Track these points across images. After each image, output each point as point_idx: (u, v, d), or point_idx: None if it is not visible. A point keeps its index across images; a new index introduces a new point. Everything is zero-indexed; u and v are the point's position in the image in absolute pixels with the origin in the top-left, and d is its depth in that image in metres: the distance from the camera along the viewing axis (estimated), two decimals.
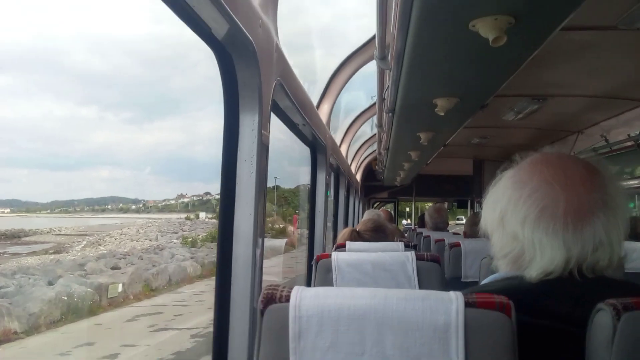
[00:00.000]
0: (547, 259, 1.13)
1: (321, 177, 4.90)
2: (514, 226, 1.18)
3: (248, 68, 2.00)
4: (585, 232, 1.13)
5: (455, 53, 2.29)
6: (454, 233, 5.66)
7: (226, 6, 1.61)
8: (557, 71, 3.99)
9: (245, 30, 1.83)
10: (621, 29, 2.92)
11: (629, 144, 5.42)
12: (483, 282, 1.34)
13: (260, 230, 2.12)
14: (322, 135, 4.43)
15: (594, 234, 1.13)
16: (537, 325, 1.08)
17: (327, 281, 2.12)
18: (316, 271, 2.16)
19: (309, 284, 4.41)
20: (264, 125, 2.09)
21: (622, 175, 6.71)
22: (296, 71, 2.90)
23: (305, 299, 1.01)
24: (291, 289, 1.03)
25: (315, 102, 4.63)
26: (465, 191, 11.99)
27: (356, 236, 3.23)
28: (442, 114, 3.26)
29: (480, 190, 9.43)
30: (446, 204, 13.01)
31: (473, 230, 4.50)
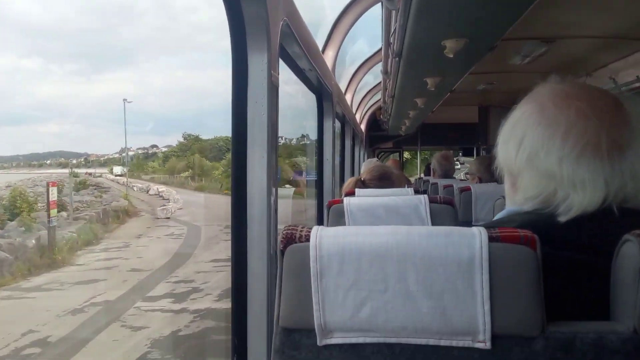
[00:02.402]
0: (589, 197, 1.11)
1: (328, 125, 4.88)
2: (550, 165, 1.13)
3: (255, 5, 1.93)
4: (623, 166, 1.11)
5: None
6: (461, 180, 5.66)
7: None
8: (566, 11, 3.90)
9: None
10: None
11: (637, 85, 5.35)
12: (497, 217, 1.32)
13: (274, 172, 2.10)
14: (328, 81, 4.38)
15: (630, 167, 1.11)
16: (561, 257, 1.07)
17: (339, 226, 2.11)
18: (329, 217, 2.16)
19: None
20: (272, 66, 2.05)
21: None
22: (302, 13, 2.84)
23: (325, 238, 1.00)
24: (310, 228, 1.02)
25: (320, 47, 4.57)
26: (470, 139, 11.93)
27: (361, 185, 3.24)
28: (451, 56, 3.21)
29: (486, 137, 9.40)
30: (452, 152, 12.99)
31: (487, 173, 4.34)
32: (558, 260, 1.06)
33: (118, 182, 69.80)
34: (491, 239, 0.95)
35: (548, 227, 1.07)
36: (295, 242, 1.01)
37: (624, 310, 0.97)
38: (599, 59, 5.48)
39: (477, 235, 0.96)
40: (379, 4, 3.03)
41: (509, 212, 1.27)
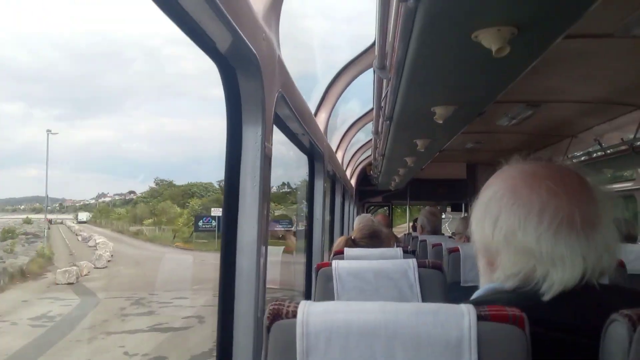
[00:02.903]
0: (569, 272, 1.12)
1: (319, 185, 4.90)
2: (528, 243, 1.15)
3: (251, 81, 1.99)
4: (597, 241, 1.13)
5: (457, 63, 2.29)
6: (450, 237, 5.66)
7: (231, 20, 1.60)
8: (552, 78, 4.02)
9: (249, 44, 1.82)
10: (617, 37, 2.95)
11: (623, 147, 5.45)
12: (476, 294, 1.31)
13: (264, 242, 2.11)
14: (320, 143, 4.42)
15: (603, 241, 1.14)
16: (550, 338, 1.07)
17: (327, 290, 2.10)
18: (317, 280, 2.15)
19: (308, 293, 4.38)
20: (267, 137, 2.08)
21: (616, 179, 6.75)
22: (296, 81, 2.90)
23: (312, 315, 0.98)
24: (297, 303, 1.01)
25: (312, 110, 4.63)
26: (459, 194, 12.04)
27: (352, 244, 3.24)
28: (441, 121, 3.26)
29: (474, 193, 9.39)
30: (439, 207, 13.03)
31: None
32: (546, 340, 1.06)
33: (71, 230, 66.08)
34: (480, 318, 0.95)
35: (533, 307, 1.06)
36: (282, 318, 1.00)
37: None
38: (584, 122, 5.59)
39: (466, 314, 0.96)
40: (371, 69, 3.09)
41: (488, 290, 1.27)
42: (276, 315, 1.00)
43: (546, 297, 1.12)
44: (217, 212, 45.16)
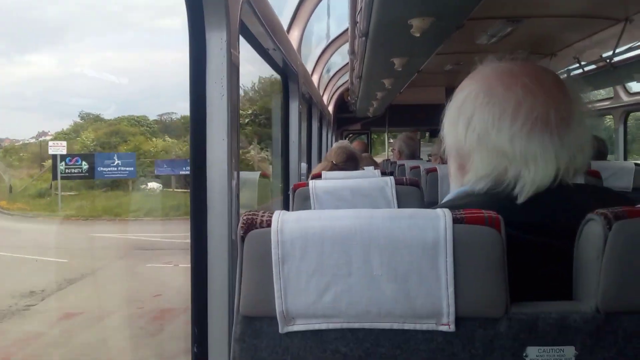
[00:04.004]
0: (541, 172, 1.11)
1: (294, 106, 4.81)
2: (501, 143, 1.12)
3: None
4: (570, 140, 1.12)
5: None
6: (428, 160, 5.70)
7: None
8: None
9: None
10: None
11: (601, 64, 5.43)
12: (446, 198, 1.30)
13: (235, 156, 2.05)
14: (294, 61, 4.32)
15: (576, 140, 1.13)
16: (523, 240, 1.07)
17: (304, 209, 2.08)
18: (294, 200, 2.13)
19: None
20: (232, 44, 1.98)
21: (596, 97, 6.78)
22: None
23: (287, 223, 0.97)
24: (272, 213, 0.99)
25: (285, 27, 4.50)
26: (438, 120, 12.02)
27: (329, 168, 3.27)
28: (418, 35, 3.19)
29: None
30: (419, 134, 13.05)
31: None
32: (520, 242, 1.05)
33: None
34: (455, 221, 0.94)
35: (506, 209, 1.04)
36: (257, 228, 0.98)
37: (587, 289, 0.97)
38: (564, 39, 5.55)
39: (442, 217, 0.95)
40: None
41: (459, 193, 1.25)
42: (250, 225, 0.98)
43: (520, 199, 1.11)
44: (59, 149, 30.17)
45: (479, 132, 1.16)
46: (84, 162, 29.91)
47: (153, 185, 32.05)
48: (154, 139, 36.48)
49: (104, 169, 30.43)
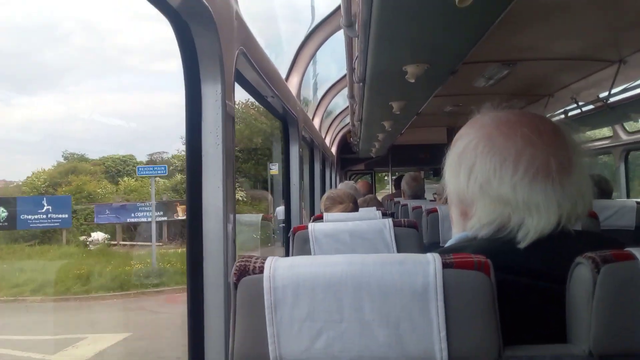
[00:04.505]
0: (544, 220, 1.12)
1: (294, 150, 4.86)
2: (504, 191, 1.14)
3: (207, 36, 1.94)
4: (572, 187, 1.13)
5: (422, 17, 2.26)
6: (432, 200, 5.69)
7: None
8: (526, 35, 3.99)
9: None
10: None
11: (599, 104, 5.47)
12: (449, 243, 1.31)
13: (231, 203, 2.08)
14: (293, 107, 4.38)
15: (577, 187, 1.14)
16: (516, 283, 1.08)
17: (304, 252, 2.10)
18: (293, 243, 2.14)
19: (287, 256, 4.42)
20: (227, 96, 2.04)
21: (593, 136, 6.80)
22: (262, 42, 2.84)
23: (279, 269, 0.99)
24: (264, 259, 1.01)
25: (284, 74, 4.58)
26: (440, 159, 12.00)
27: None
28: (413, 80, 3.24)
29: None
30: (422, 173, 13.07)
31: None
32: (517, 286, 1.06)
33: None
34: (445, 265, 0.95)
35: (504, 254, 1.08)
36: (249, 274, 1.00)
37: (579, 332, 0.97)
38: (560, 80, 5.60)
39: (431, 262, 0.96)
40: (342, 31, 3.06)
41: (461, 238, 1.27)
42: (243, 271, 1.00)
43: (522, 245, 1.12)
44: None
45: (481, 181, 1.18)
46: (1, 209, 23.31)
47: (97, 236, 27.34)
48: (125, 178, 33.00)
49: (30, 216, 23.54)
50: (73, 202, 27.52)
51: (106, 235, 27.81)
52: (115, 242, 28.15)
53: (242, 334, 1.00)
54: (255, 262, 1.00)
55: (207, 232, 1.99)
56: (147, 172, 26.02)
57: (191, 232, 1.99)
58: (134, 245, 27.43)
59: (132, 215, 27.07)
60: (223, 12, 2.08)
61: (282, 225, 17.80)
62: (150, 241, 25.25)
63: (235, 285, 1.00)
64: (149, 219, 26.30)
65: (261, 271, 0.99)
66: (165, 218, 28.19)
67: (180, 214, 28.02)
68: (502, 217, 1.15)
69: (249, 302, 0.99)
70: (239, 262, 1.02)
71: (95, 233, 27.35)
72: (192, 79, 1.99)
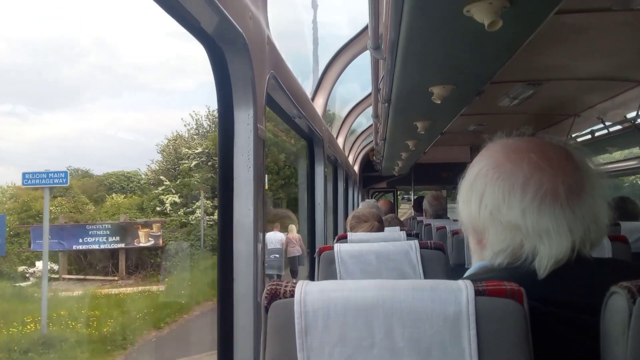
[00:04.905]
0: (556, 245, 1.11)
1: (319, 170, 4.91)
2: (513, 217, 1.14)
3: (240, 62, 1.98)
4: (583, 212, 1.13)
5: (450, 40, 2.26)
6: (455, 220, 5.65)
7: None
8: (552, 55, 3.98)
9: (235, 23, 1.81)
10: (615, 10, 2.91)
11: (626, 125, 5.41)
12: (468, 273, 1.30)
13: (261, 225, 2.10)
14: (318, 127, 4.42)
15: (589, 211, 1.14)
16: (548, 313, 1.06)
17: (330, 273, 2.10)
18: (319, 264, 2.15)
19: (312, 277, 4.42)
20: (259, 119, 2.07)
21: (619, 157, 6.72)
22: (289, 64, 2.88)
23: (310, 294, 0.99)
24: (295, 283, 1.01)
25: (309, 94, 4.62)
26: None
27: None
28: (439, 102, 3.24)
29: None
30: (444, 192, 13.01)
31: None
32: (544, 315, 1.05)
33: None
34: (477, 293, 0.95)
35: (527, 285, 1.06)
36: (280, 298, 1.00)
37: None
38: (586, 100, 5.55)
39: (464, 289, 0.96)
40: (368, 51, 3.08)
41: (480, 268, 1.26)
42: (274, 295, 1.00)
43: (540, 274, 1.12)
44: None
45: (491, 208, 1.18)
46: None
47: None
48: (114, 195, 29.09)
49: None
50: (16, 222, 23.59)
51: (54, 266, 21.99)
52: (57, 276, 22.16)
53: (273, 358, 1.00)
54: (285, 287, 1.01)
55: (237, 252, 2.02)
56: (35, 182, 17.13)
57: (222, 253, 2.02)
58: (83, 280, 22.21)
59: (80, 240, 22.19)
60: (255, 37, 2.13)
61: (273, 256, 16.70)
62: (107, 274, 22.03)
63: (267, 309, 1.00)
64: (103, 246, 22.31)
65: (292, 295, 0.99)
66: (123, 245, 22.79)
67: (143, 240, 23.05)
68: (514, 244, 1.16)
69: (279, 326, 0.99)
70: (270, 285, 1.02)
71: (40, 262, 19.45)
72: (225, 103, 2.03)
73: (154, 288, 19.99)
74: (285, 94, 2.79)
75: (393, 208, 9.43)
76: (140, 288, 20.01)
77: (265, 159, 2.18)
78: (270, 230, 18.06)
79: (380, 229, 3.42)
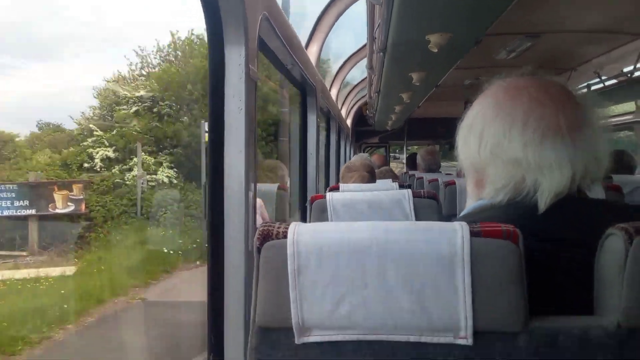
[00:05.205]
0: (557, 178, 1.11)
1: (312, 119, 4.87)
2: (515, 152, 1.14)
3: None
4: (584, 145, 1.13)
5: None
6: (447, 174, 5.67)
7: None
8: (550, 6, 3.92)
9: None
10: None
11: (622, 79, 5.39)
12: (463, 213, 1.31)
13: (252, 168, 2.08)
14: (312, 76, 4.37)
15: (590, 146, 1.14)
16: (544, 250, 1.07)
17: (322, 221, 2.09)
18: (311, 212, 2.14)
19: None
20: (251, 60, 2.03)
21: (615, 112, 6.72)
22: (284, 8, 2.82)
23: (303, 234, 0.98)
24: (287, 225, 1.00)
25: (303, 42, 4.55)
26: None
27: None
28: (436, 50, 3.20)
29: None
30: (438, 147, 13.02)
31: None
32: (539, 252, 1.05)
33: None
34: (473, 234, 0.94)
35: (524, 220, 1.05)
36: (273, 239, 0.99)
37: (608, 304, 0.96)
38: (584, 54, 5.51)
39: (459, 230, 0.95)
40: None
41: (476, 207, 1.26)
42: (266, 236, 0.99)
43: (541, 208, 1.12)
44: None
45: (492, 145, 1.18)
46: None
47: None
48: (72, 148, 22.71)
49: None
50: None
51: None
52: None
53: (265, 298, 1.00)
54: (278, 228, 1.00)
55: (228, 196, 2.00)
56: None
57: (212, 196, 2.01)
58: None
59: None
60: None
61: None
62: (16, 249, 16.70)
63: (259, 250, 0.99)
64: (8, 212, 17.46)
65: (285, 236, 0.98)
66: (34, 211, 17.78)
67: (60, 205, 18.30)
68: (516, 179, 1.15)
69: (272, 267, 0.98)
70: (262, 227, 1.01)
71: None
72: (216, 43, 1.98)
73: (68, 270, 14.70)
74: (278, 38, 2.73)
75: (386, 162, 9.45)
76: (57, 269, 14.93)
77: (256, 101, 2.15)
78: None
79: (371, 179, 3.42)
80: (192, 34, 24.40)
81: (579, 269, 1.04)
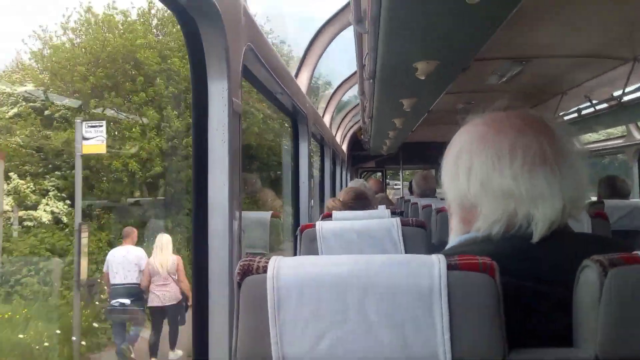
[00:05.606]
0: (549, 208, 1.11)
1: (303, 147, 4.88)
2: (506, 184, 1.13)
3: (213, 32, 1.94)
4: (571, 174, 1.13)
5: (432, 13, 2.24)
6: (442, 199, 5.67)
7: None
8: (538, 31, 3.96)
9: None
10: None
11: (612, 103, 5.43)
12: (449, 246, 1.29)
13: (236, 201, 2.08)
14: (302, 104, 4.39)
15: (576, 175, 1.14)
16: (521, 287, 1.06)
17: (312, 251, 2.10)
18: (301, 241, 2.14)
19: (295, 255, 4.44)
20: (234, 93, 2.04)
21: (607, 135, 6.76)
22: (271, 40, 2.84)
23: (283, 269, 0.98)
24: (268, 259, 1.00)
25: (293, 71, 4.58)
26: None
27: (340, 206, 3.30)
28: (423, 77, 3.22)
29: None
30: (434, 171, 13.06)
31: None
32: (519, 290, 1.04)
33: None
34: (450, 267, 0.94)
35: (505, 256, 1.04)
36: (253, 274, 0.99)
37: (586, 336, 0.96)
38: (573, 78, 5.56)
39: (436, 264, 0.95)
40: (352, 27, 3.05)
41: (467, 239, 1.24)
42: (247, 271, 1.00)
43: (535, 238, 1.12)
44: None
45: (481, 178, 1.17)
46: None
47: None
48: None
49: None
50: None
51: None
52: None
53: (245, 333, 0.99)
54: (259, 262, 1.00)
55: (212, 230, 2.00)
56: None
57: (197, 230, 2.01)
58: None
59: None
60: (230, 8, 2.08)
61: (116, 301, 8.44)
62: None
63: (239, 285, 0.99)
64: None
65: (265, 271, 0.98)
66: None
67: None
68: (509, 212, 1.14)
69: (252, 302, 0.98)
70: (242, 261, 1.01)
71: None
72: (199, 76, 1.99)
73: None
74: (264, 68, 2.75)
75: (383, 188, 9.46)
76: None
77: (240, 133, 2.15)
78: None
79: (358, 207, 3.40)
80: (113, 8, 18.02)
81: (558, 305, 1.03)
